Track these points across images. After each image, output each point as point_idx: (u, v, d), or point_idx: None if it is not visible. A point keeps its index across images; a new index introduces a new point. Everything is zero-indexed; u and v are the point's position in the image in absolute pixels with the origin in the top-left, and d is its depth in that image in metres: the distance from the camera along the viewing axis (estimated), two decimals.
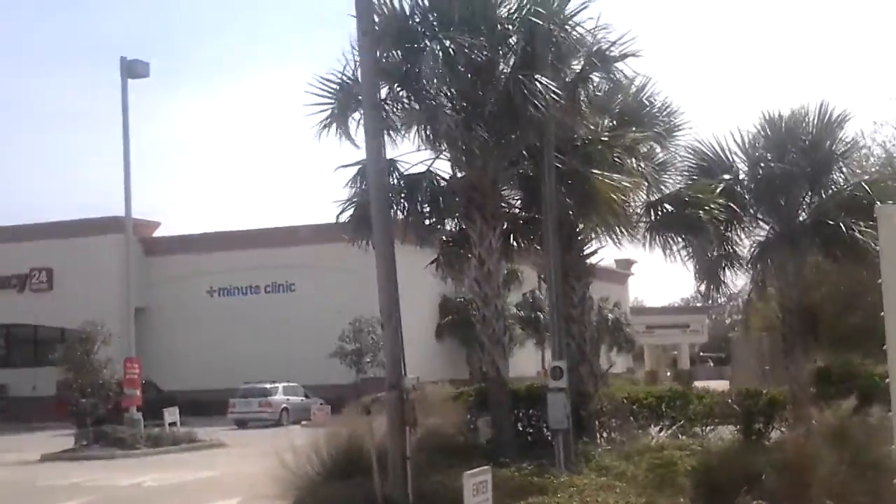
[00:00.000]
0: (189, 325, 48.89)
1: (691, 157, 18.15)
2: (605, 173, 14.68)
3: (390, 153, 15.71)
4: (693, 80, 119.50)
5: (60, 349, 31.41)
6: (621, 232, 16.71)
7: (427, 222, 16.83)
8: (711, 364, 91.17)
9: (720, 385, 27.67)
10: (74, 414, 41.42)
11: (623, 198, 14.74)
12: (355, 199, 15.50)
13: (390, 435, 11.80)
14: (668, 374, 73.61)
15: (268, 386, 41.30)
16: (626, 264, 77.94)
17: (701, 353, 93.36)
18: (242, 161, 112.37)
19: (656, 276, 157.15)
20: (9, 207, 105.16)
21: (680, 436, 17.09)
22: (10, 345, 53.31)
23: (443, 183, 15.60)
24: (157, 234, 51.98)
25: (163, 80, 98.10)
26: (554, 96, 13.52)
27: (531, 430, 17.10)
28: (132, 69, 31.48)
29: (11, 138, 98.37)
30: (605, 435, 16.97)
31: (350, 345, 42.06)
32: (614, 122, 17.12)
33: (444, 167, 16.11)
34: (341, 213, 15.63)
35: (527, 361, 55.76)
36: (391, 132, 15.21)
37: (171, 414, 31.83)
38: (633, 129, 16.68)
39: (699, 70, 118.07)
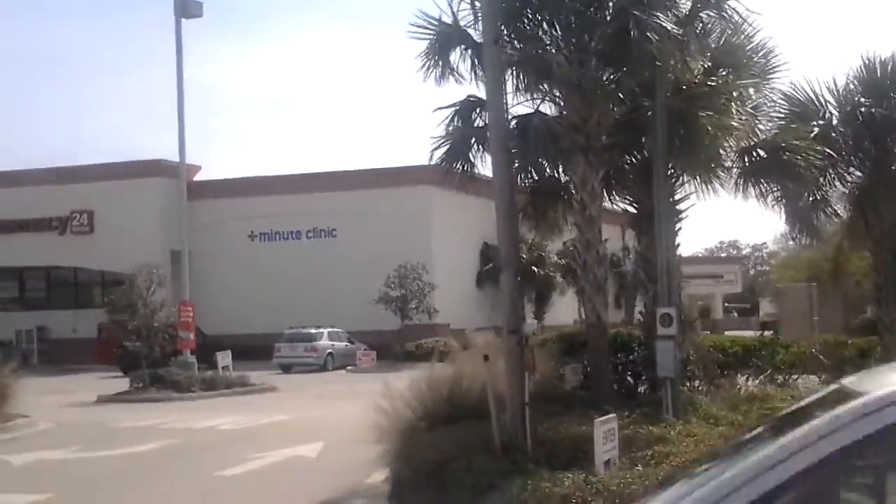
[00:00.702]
0: (230, 269, 48.78)
1: (783, 101, 17.68)
2: (715, 116, 14.22)
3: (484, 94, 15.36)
4: (782, 19, 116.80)
5: (117, 291, 31.11)
6: (716, 177, 16.28)
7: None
8: (736, 314, 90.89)
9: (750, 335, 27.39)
10: (121, 356, 41.70)
11: (732, 142, 14.30)
12: (449, 140, 15.08)
13: (508, 381, 11.49)
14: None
15: (313, 331, 41.22)
16: None
17: (725, 304, 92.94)
18: (285, 107, 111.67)
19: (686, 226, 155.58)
20: (50, 150, 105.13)
21: (768, 385, 16.82)
22: (50, 287, 53.45)
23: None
24: (198, 178, 51.67)
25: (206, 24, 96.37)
26: (670, 32, 13.05)
27: (618, 378, 16.87)
28: (186, 8, 31.04)
29: (50, 81, 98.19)
30: (693, 384, 16.68)
31: (395, 291, 41.81)
32: (709, 64, 16.61)
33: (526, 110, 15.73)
34: (435, 149, 15.22)
35: (563, 310, 55.54)
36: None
37: (224, 358, 31.77)
38: (729, 70, 16.19)
39: (787, 9, 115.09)
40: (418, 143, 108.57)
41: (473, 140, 15.00)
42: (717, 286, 79.00)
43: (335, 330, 42.26)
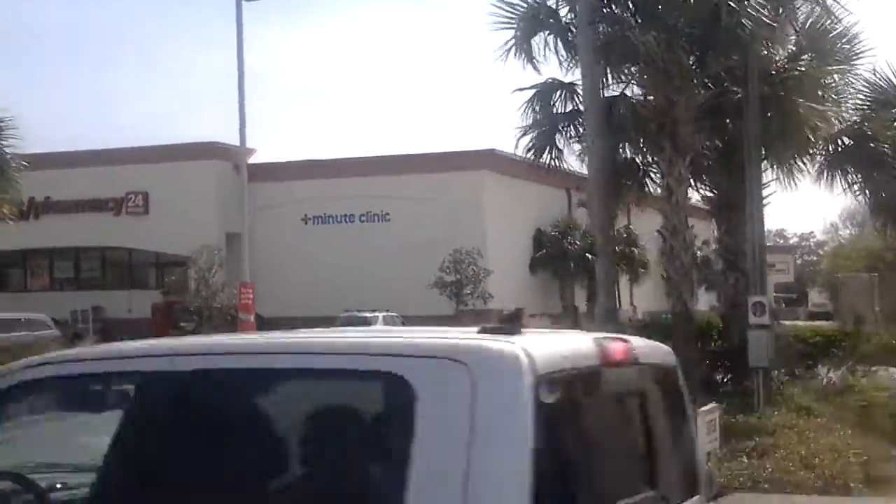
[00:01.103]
0: (283, 252, 48.84)
1: (865, 87, 17.34)
2: (806, 102, 13.96)
3: (565, 78, 15.22)
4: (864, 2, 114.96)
5: (177, 272, 31.26)
6: (802, 164, 16.01)
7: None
8: (784, 305, 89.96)
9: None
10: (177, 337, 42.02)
11: (823, 128, 14.03)
12: (535, 124, 14.92)
13: None
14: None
15: (368, 315, 41.18)
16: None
17: (774, 294, 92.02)
18: (333, 91, 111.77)
19: None
20: (106, 131, 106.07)
21: (850, 376, 16.52)
22: (105, 267, 53.93)
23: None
24: (252, 160, 51.81)
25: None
26: (763, 17, 12.80)
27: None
28: None
29: (103, 63, 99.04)
30: (776, 375, 16.42)
31: (450, 276, 41.72)
32: (792, 49, 16.33)
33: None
34: (522, 136, 15.04)
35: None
36: (573, 55, 14.64)
37: None
38: (812, 55, 15.91)
39: None
40: (472, 127, 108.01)
41: (561, 124, 14.82)
42: (770, 276, 78.32)
43: (390, 314, 42.23)
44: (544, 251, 50.42)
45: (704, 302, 72.63)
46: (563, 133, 14.88)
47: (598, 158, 11.34)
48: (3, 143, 17.55)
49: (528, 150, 14.97)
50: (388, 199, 48.24)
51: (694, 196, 17.63)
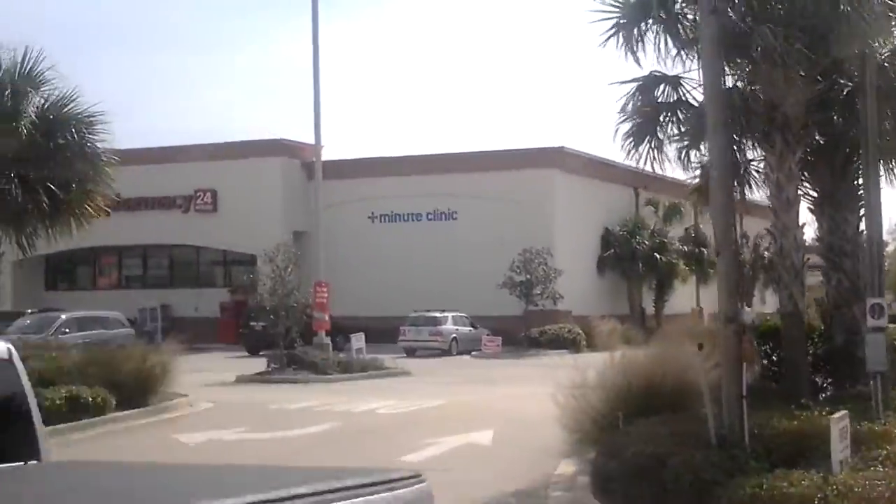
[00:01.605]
0: (350, 251, 48.75)
1: None
2: None
3: (669, 71, 14.81)
4: None
5: (254, 271, 31.17)
6: None
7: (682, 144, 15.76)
8: None
9: None
10: (246, 336, 42.09)
11: None
12: (630, 115, 14.53)
13: (725, 372, 10.94)
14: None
15: (438, 315, 41.03)
16: None
17: None
18: (406, 87, 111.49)
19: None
20: (173, 128, 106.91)
21: None
22: (173, 265, 54.26)
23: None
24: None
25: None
26: (887, 7, 12.34)
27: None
28: None
29: (163, 58, 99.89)
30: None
31: (519, 276, 41.33)
32: None
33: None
34: (618, 130, 14.63)
35: (680, 298, 54.52)
36: (679, 47, 14.24)
37: (358, 340, 31.70)
38: None
39: None
40: (541, 125, 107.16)
41: (662, 117, 14.40)
42: None
43: (459, 314, 42.02)
44: (612, 251, 49.81)
45: (772, 304, 71.43)
46: (665, 128, 14.49)
47: (719, 154, 10.91)
48: (94, 137, 17.44)
49: (626, 140, 14.56)
50: (455, 198, 47.97)
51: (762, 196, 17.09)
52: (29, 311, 45.68)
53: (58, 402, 16.84)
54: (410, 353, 39.61)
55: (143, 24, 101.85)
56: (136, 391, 18.80)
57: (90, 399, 17.40)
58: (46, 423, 16.24)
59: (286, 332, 29.54)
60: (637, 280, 50.56)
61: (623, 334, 45.12)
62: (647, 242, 49.65)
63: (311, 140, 45.00)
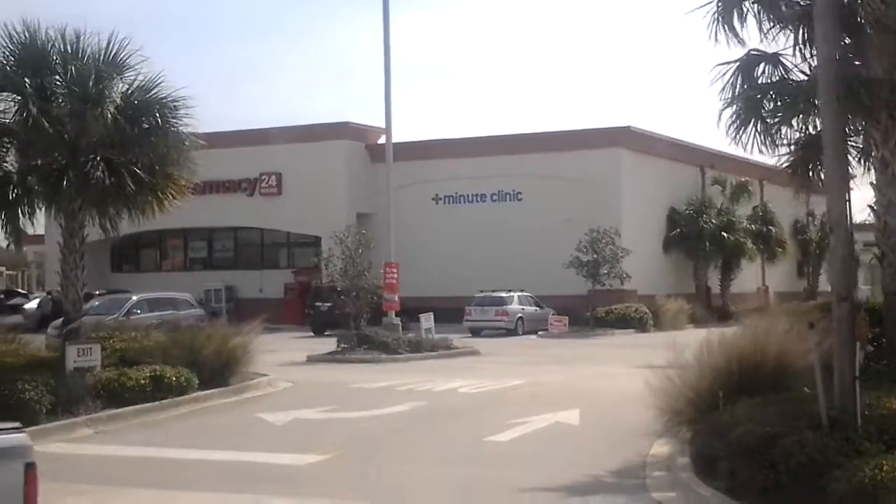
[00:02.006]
0: (413, 232, 48.68)
1: None
2: None
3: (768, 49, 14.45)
4: None
5: (325, 251, 31.15)
6: None
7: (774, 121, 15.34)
8: None
9: None
10: (313, 317, 42.26)
11: None
12: (734, 97, 14.16)
13: (838, 352, 10.64)
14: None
15: (504, 295, 40.86)
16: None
17: None
18: (470, 69, 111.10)
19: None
20: (239, 112, 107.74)
21: None
22: (237, 247, 54.64)
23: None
24: (381, 140, 51.76)
25: None
26: None
27: None
28: None
29: (229, 43, 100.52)
30: None
31: (587, 255, 40.98)
32: None
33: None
34: (725, 108, 14.24)
35: (744, 277, 53.83)
36: (780, 23, 13.91)
37: (427, 320, 31.64)
38: None
39: None
40: (604, 106, 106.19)
41: (766, 96, 14.03)
42: None
43: (525, 294, 41.83)
44: (678, 230, 49.23)
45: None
46: (767, 106, 14.10)
47: (833, 131, 10.61)
48: (178, 121, 17.45)
49: (731, 124, 14.18)
50: (519, 178, 47.72)
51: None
52: (97, 292, 46.25)
53: (142, 381, 16.96)
54: (476, 332, 39.47)
55: (214, 13, 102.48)
56: (218, 371, 18.89)
57: (174, 379, 17.48)
58: (131, 402, 16.32)
59: (357, 313, 29.54)
60: (703, 259, 49.97)
61: (689, 314, 44.73)
62: (714, 221, 49.01)
63: (374, 123, 45.34)
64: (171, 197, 17.89)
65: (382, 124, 34.70)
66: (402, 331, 31.28)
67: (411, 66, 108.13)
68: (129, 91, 17.57)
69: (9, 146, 17.73)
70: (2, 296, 50.40)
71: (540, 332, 40.11)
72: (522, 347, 34.04)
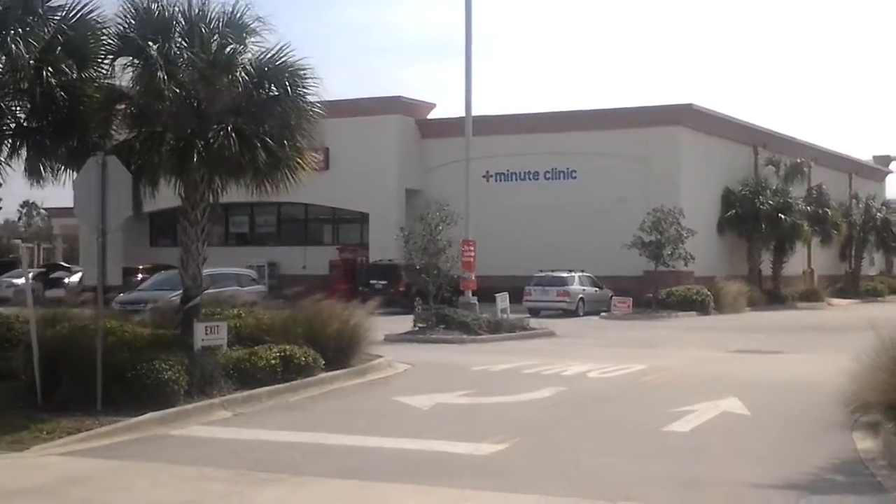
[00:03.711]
0: (463, 209, 47.95)
1: None
2: None
3: None
4: None
5: (413, 228, 30.20)
6: None
7: None
8: None
9: None
10: (365, 295, 41.45)
11: None
12: None
13: None
14: None
15: (565, 275, 40.12)
16: (884, 160, 73.43)
17: None
18: (526, 44, 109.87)
19: None
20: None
21: None
22: (280, 223, 53.86)
23: None
24: (433, 115, 50.99)
25: None
26: None
27: None
28: None
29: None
30: None
31: (650, 235, 40.21)
32: None
33: None
34: None
35: (791, 260, 53.13)
36: None
37: (503, 300, 30.92)
38: None
39: None
40: (678, 82, 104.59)
41: None
42: None
43: (584, 274, 41.07)
44: (734, 211, 48.44)
45: (879, 266, 69.57)
46: None
47: None
48: (305, 90, 16.65)
49: None
50: (573, 156, 46.89)
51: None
52: (140, 266, 45.59)
53: (272, 361, 16.24)
54: (535, 313, 38.69)
55: None
56: (341, 352, 18.14)
57: (302, 359, 16.76)
58: (262, 383, 15.60)
59: (437, 291, 28.82)
60: (758, 241, 49.19)
61: (748, 296, 44.04)
62: (770, 202, 48.19)
63: (425, 98, 44.44)
64: (302, 170, 17.10)
65: (432, 99, 33.94)
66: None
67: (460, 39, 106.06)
68: (258, 57, 16.72)
69: (126, 115, 16.93)
70: (44, 269, 49.63)
71: (602, 314, 39.38)
72: (593, 329, 33.32)
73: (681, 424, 13.53)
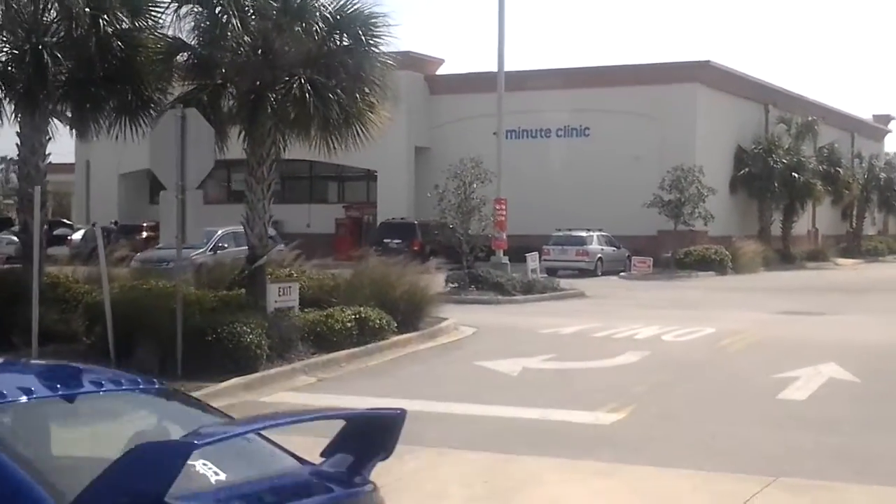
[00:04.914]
0: None
1: None
2: None
3: None
4: None
5: (440, 187, 29.44)
6: None
7: None
8: None
9: None
10: (379, 255, 40.79)
11: None
12: None
13: None
14: None
15: (584, 234, 39.55)
16: (884, 119, 73.16)
17: None
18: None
19: None
20: None
21: None
22: (283, 180, 52.87)
23: None
24: (442, 71, 50.08)
25: None
26: None
27: None
28: None
29: None
30: None
31: (669, 194, 39.69)
32: None
33: None
34: None
35: (804, 221, 52.86)
36: None
37: (533, 260, 30.37)
38: None
39: None
40: (682, 39, 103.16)
41: None
42: None
43: (602, 234, 40.51)
44: (746, 170, 47.97)
45: (881, 225, 69.36)
46: None
47: None
48: (379, 40, 15.88)
49: None
50: (587, 113, 46.13)
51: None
52: (144, 224, 44.74)
53: (348, 324, 15.61)
54: (552, 273, 38.10)
55: None
56: (409, 314, 17.52)
57: (377, 322, 16.14)
58: (338, 346, 14.88)
59: (470, 251, 28.19)
60: (770, 200, 48.76)
61: (764, 256, 43.72)
62: (784, 161, 47.74)
63: (433, 53, 43.44)
64: (376, 126, 16.36)
65: (442, 55, 33.09)
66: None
67: None
68: (331, 3, 15.89)
69: (186, 66, 16.11)
70: (46, 226, 48.52)
71: (622, 273, 38.92)
72: (620, 289, 32.86)
73: (793, 392, 13.03)
